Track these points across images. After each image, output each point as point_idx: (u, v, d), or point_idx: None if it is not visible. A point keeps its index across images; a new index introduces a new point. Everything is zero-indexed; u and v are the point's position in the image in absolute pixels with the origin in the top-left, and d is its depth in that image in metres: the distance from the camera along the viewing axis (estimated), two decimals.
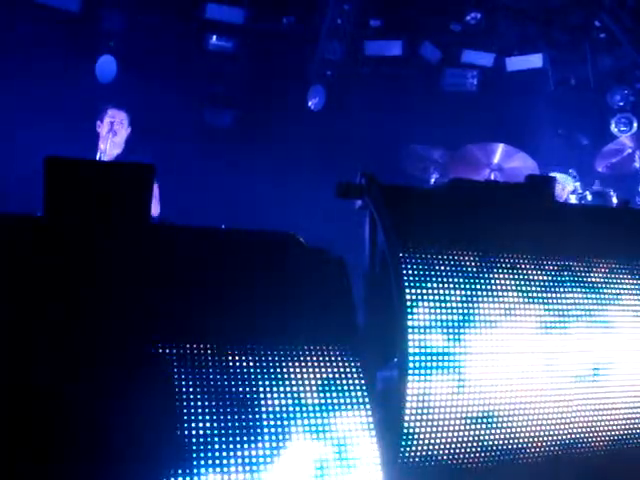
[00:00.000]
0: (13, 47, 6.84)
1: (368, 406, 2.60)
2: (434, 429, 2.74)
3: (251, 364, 2.52)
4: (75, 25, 7.24)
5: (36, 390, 2.25)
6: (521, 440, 2.89)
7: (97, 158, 5.83)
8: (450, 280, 2.89)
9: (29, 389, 2.24)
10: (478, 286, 2.93)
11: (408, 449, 2.71)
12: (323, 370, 2.60)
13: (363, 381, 2.64)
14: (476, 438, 2.81)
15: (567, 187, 6.59)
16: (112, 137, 5.83)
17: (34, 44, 6.89)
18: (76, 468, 2.20)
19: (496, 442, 2.84)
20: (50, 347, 2.33)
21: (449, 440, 2.77)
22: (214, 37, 7.93)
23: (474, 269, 2.95)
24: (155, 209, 5.82)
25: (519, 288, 3.00)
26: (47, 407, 2.24)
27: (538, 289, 3.03)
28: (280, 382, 2.53)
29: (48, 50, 6.85)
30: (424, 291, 2.82)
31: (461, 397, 2.80)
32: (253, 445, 2.39)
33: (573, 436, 2.98)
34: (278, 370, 2.54)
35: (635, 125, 8.23)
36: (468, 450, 2.80)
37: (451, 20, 8.30)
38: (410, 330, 2.75)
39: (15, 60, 6.82)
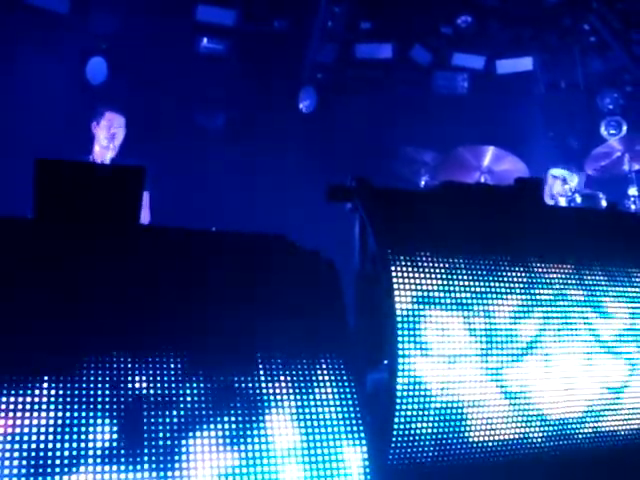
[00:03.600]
0: (1, 49, 6.81)
1: (357, 408, 2.60)
2: (424, 431, 2.76)
3: (241, 365, 2.53)
4: (65, 27, 7.22)
5: None
6: (512, 441, 2.90)
7: (91, 160, 5.78)
8: (440, 282, 2.90)
9: None
10: (468, 288, 2.94)
11: (398, 451, 2.72)
12: (313, 372, 2.61)
13: (353, 383, 2.64)
14: (466, 440, 2.82)
15: (571, 183, 6.60)
16: (110, 141, 5.78)
17: (23, 46, 6.87)
18: None
19: (487, 443, 2.86)
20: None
21: (439, 442, 2.78)
22: (205, 39, 7.91)
23: (464, 271, 2.97)
24: (145, 217, 5.78)
25: (508, 290, 3.01)
26: None
27: (527, 291, 3.05)
28: (270, 384, 2.53)
29: (38, 52, 6.83)
30: (414, 293, 2.83)
31: (451, 399, 2.81)
32: (242, 447, 2.41)
33: (562, 436, 3.00)
34: (268, 372, 2.55)
35: (624, 128, 8.26)
36: (458, 451, 2.81)
37: (442, 23, 8.32)
38: (400, 332, 2.76)
39: (3, 62, 6.79)
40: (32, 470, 2.13)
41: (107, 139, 5.75)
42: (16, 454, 2.13)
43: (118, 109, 5.97)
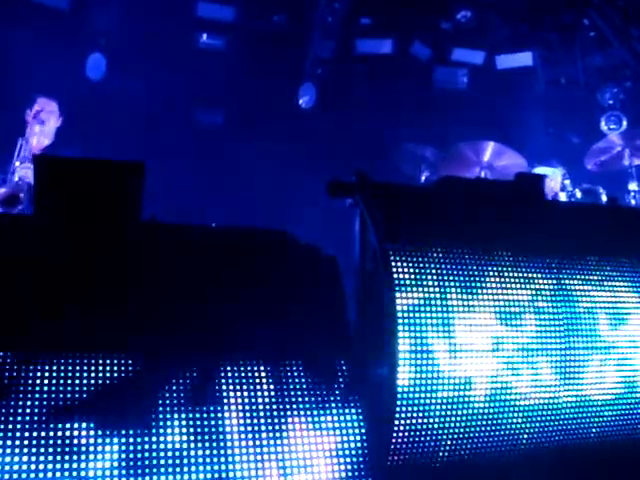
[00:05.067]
0: (1, 45, 6.80)
1: (359, 403, 2.60)
2: (425, 427, 2.75)
3: (241, 362, 2.53)
4: (65, 23, 7.22)
5: None
6: (513, 437, 2.90)
7: (19, 146, 5.64)
8: (439, 277, 2.90)
9: None
10: (468, 283, 2.94)
11: (399, 446, 2.72)
12: (313, 368, 2.61)
13: (354, 378, 2.64)
14: (467, 435, 2.82)
15: (557, 179, 6.61)
16: (39, 127, 5.64)
17: (23, 42, 6.86)
18: None
19: (487, 439, 2.86)
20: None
21: (440, 438, 2.78)
22: (205, 35, 7.92)
23: (464, 266, 2.96)
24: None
25: (508, 285, 3.01)
26: None
27: (527, 286, 3.05)
28: (271, 380, 2.53)
29: (37, 48, 6.82)
30: (414, 288, 2.83)
31: (452, 394, 2.81)
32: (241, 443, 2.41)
33: (564, 431, 3.00)
34: (268, 368, 2.55)
35: (625, 123, 8.26)
36: (459, 447, 2.81)
37: (441, 18, 8.32)
38: (400, 327, 2.76)
39: (3, 58, 6.78)
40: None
41: (37, 124, 5.63)
42: None
43: (51, 95, 5.85)
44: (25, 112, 5.78)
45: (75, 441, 2.22)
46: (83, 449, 2.21)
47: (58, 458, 2.19)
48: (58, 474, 2.16)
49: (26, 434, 2.18)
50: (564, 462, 3.00)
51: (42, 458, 2.18)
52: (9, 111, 6.53)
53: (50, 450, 2.19)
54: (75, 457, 2.20)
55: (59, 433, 2.22)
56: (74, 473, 2.18)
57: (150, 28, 7.30)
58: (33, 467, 2.16)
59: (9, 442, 2.16)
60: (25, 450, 2.17)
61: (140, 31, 7.29)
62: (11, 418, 2.19)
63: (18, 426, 2.18)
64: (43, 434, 2.20)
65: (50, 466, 2.17)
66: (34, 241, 2.57)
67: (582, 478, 3.05)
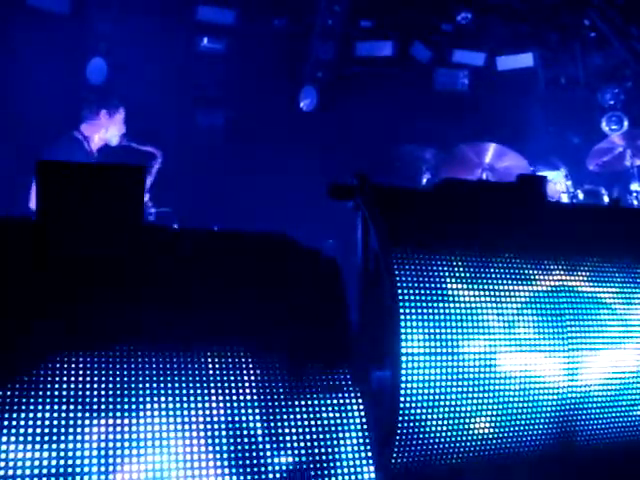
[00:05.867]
0: (2, 49, 6.82)
1: (362, 406, 2.60)
2: (428, 429, 2.75)
3: (244, 365, 2.53)
4: (65, 27, 7.24)
5: None
6: (516, 440, 2.90)
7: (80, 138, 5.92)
8: (442, 280, 2.90)
9: None
10: (471, 286, 2.94)
11: (402, 449, 2.72)
12: (315, 371, 2.61)
13: (356, 381, 2.64)
14: (470, 438, 2.82)
15: (560, 181, 6.62)
16: (120, 138, 6.08)
17: (24, 46, 6.88)
18: None
19: (490, 443, 2.85)
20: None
21: (443, 440, 2.78)
22: (205, 39, 7.93)
23: (466, 269, 2.96)
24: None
25: (512, 289, 3.01)
26: None
27: (531, 289, 3.04)
28: (273, 383, 2.53)
29: (38, 52, 6.84)
30: (417, 292, 2.83)
31: (455, 397, 2.80)
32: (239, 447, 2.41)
33: (573, 433, 3.00)
34: (271, 372, 2.55)
35: (626, 123, 8.27)
36: (462, 450, 2.81)
37: (442, 20, 8.33)
38: (403, 331, 2.76)
39: (5, 63, 6.80)
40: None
41: (118, 135, 6.07)
42: None
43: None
44: (100, 111, 6.10)
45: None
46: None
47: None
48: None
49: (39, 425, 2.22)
50: (569, 464, 3.00)
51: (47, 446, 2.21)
52: (9, 109, 6.56)
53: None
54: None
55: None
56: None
57: (151, 32, 7.32)
58: (38, 455, 2.18)
59: (13, 430, 2.18)
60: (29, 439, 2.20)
61: (141, 35, 7.31)
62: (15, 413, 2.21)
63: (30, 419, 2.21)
64: (47, 423, 2.22)
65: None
66: (36, 244, 2.57)
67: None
